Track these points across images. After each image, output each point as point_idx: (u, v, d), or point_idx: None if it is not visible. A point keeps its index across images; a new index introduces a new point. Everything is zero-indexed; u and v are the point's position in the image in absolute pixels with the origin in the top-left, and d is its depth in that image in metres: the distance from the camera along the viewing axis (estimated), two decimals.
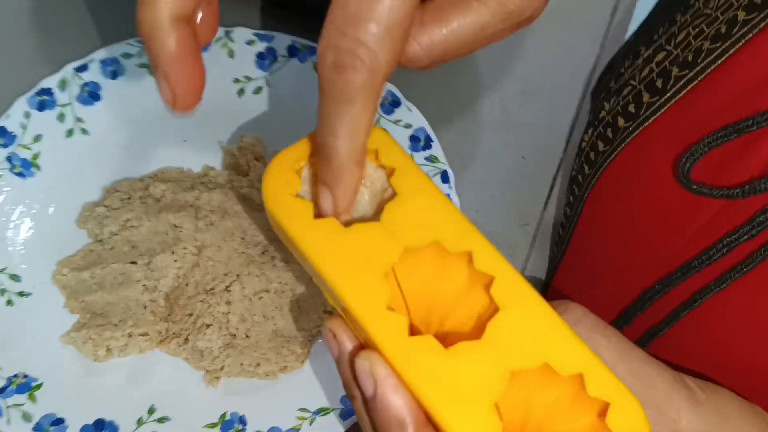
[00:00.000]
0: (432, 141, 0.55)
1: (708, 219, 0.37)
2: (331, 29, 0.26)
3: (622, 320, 0.42)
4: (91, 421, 0.46)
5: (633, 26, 0.63)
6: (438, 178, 0.53)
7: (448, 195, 0.53)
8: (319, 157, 0.30)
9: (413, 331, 0.34)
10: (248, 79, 0.57)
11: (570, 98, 0.60)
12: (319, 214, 0.32)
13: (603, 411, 0.30)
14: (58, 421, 0.46)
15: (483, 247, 0.31)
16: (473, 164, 0.59)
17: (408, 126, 0.55)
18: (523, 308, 0.30)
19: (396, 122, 0.55)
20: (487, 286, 0.31)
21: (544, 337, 0.30)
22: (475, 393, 0.29)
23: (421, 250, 0.32)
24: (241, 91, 0.57)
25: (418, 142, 0.55)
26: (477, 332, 0.30)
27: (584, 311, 0.34)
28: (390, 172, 0.33)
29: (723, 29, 0.37)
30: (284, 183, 0.32)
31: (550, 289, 0.51)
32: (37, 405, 0.46)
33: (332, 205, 0.30)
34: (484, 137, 0.59)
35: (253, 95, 0.57)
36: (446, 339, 0.34)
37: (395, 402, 0.29)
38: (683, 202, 0.38)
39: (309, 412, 0.47)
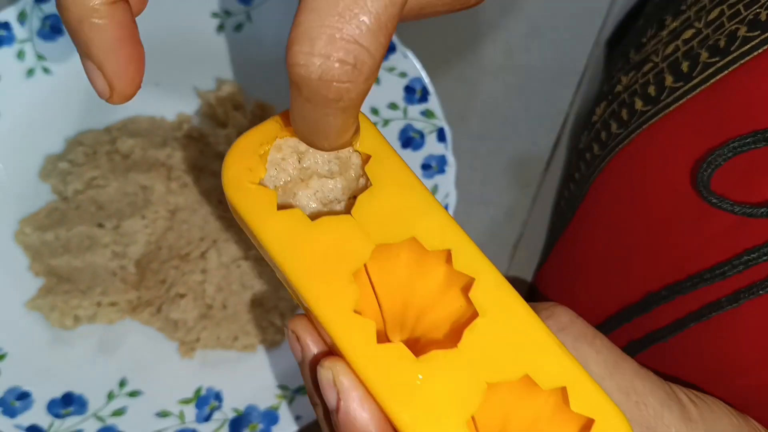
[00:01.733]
0: (429, 93, 0.50)
1: (723, 230, 0.34)
2: (312, 24, 0.20)
3: (622, 317, 0.39)
4: (58, 395, 0.44)
5: None
6: (434, 136, 0.49)
7: (443, 156, 0.49)
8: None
9: (386, 333, 0.31)
10: (228, 14, 0.52)
11: (581, 45, 0.55)
12: (283, 205, 0.29)
13: (587, 427, 0.28)
14: (24, 395, 0.43)
15: (464, 245, 0.28)
16: (471, 115, 0.54)
17: (403, 75, 0.50)
18: (505, 315, 0.27)
19: (390, 70, 0.50)
20: (467, 288, 0.28)
21: (525, 347, 0.27)
22: (449, 407, 0.26)
23: (396, 247, 0.29)
24: (220, 28, 0.52)
25: (413, 93, 0.50)
26: (453, 338, 0.28)
27: (571, 317, 0.31)
28: (365, 159, 0.30)
29: (764, 16, 0.32)
30: (246, 169, 0.28)
31: (546, 264, 0.48)
32: (1, 377, 0.43)
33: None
34: (485, 84, 0.55)
35: (233, 33, 0.52)
36: (421, 342, 0.31)
37: (360, 416, 0.26)
38: (698, 209, 0.34)
39: (288, 390, 0.44)
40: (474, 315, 0.27)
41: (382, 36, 0.20)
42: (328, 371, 0.26)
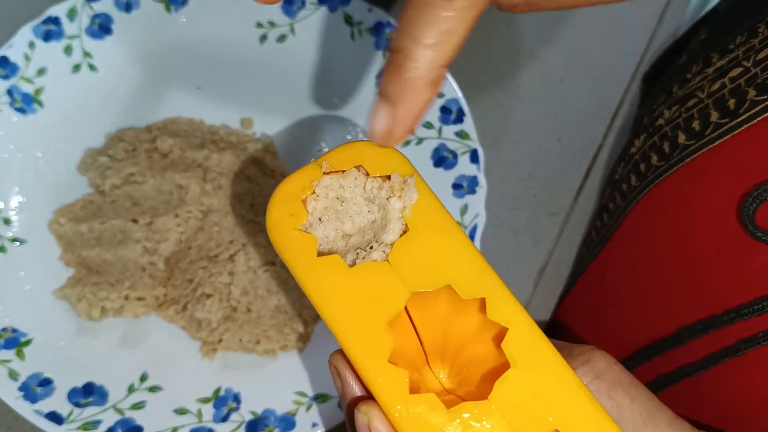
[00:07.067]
0: (464, 115, 0.50)
1: (764, 265, 0.34)
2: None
3: (653, 350, 0.39)
4: (80, 384, 0.44)
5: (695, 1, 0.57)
6: (467, 157, 0.50)
7: (475, 176, 0.49)
8: (387, 65, 0.25)
9: (428, 361, 0.32)
10: (272, 25, 0.53)
11: (618, 79, 0.56)
12: (323, 251, 0.30)
13: None
14: (46, 382, 0.44)
15: (498, 293, 0.29)
16: (505, 140, 0.55)
17: (440, 95, 0.51)
18: (536, 367, 0.28)
19: None
20: (500, 336, 0.29)
21: (556, 401, 0.27)
22: None
23: (432, 295, 0.29)
24: (263, 38, 0.52)
25: (449, 114, 0.51)
26: (485, 388, 0.28)
27: (608, 362, 0.31)
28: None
29: None
30: (288, 215, 0.30)
31: (572, 292, 0.48)
32: (26, 363, 0.44)
33: (387, 124, 0.26)
34: (520, 112, 0.55)
35: (276, 43, 0.53)
36: (462, 375, 0.31)
37: None
38: (740, 244, 0.34)
39: (307, 396, 0.45)
40: (506, 365, 0.28)
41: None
42: (363, 416, 0.27)
